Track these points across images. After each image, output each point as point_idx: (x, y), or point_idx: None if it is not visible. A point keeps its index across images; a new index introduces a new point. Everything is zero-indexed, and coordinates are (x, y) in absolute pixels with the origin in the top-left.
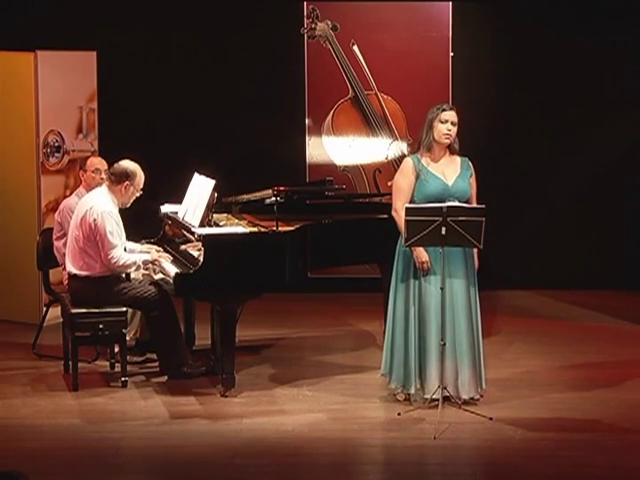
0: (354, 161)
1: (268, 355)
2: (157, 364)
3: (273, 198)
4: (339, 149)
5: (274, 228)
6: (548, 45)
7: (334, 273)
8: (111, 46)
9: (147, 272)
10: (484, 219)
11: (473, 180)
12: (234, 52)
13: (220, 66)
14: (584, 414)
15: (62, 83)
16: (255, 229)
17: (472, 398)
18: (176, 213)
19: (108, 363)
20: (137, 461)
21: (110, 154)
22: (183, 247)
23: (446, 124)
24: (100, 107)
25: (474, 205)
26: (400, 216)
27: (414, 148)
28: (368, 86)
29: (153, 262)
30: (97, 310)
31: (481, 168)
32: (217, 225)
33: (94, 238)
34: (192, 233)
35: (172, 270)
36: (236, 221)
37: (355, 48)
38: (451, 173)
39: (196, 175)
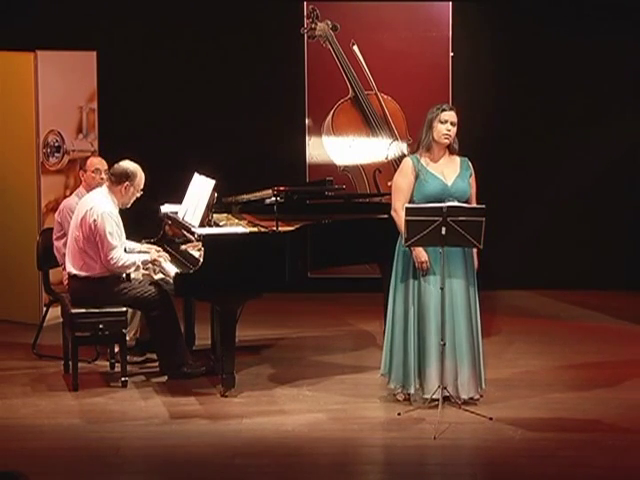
0: (354, 161)
1: (268, 355)
2: (157, 364)
3: (273, 198)
4: (339, 149)
5: (274, 228)
6: (548, 45)
7: (334, 273)
8: (111, 46)
9: (147, 272)
10: (484, 219)
11: (473, 180)
12: (234, 52)
13: (220, 66)
14: (584, 414)
15: (62, 83)
16: (255, 229)
17: (472, 398)
18: (176, 213)
19: (108, 363)
20: (137, 461)
21: (110, 154)
22: (183, 247)
23: (446, 124)
24: (100, 107)
25: (474, 205)
26: (399, 216)
27: (414, 148)
28: (368, 86)
29: (153, 262)
30: (97, 310)
31: (481, 168)
32: (217, 225)
33: (94, 239)
34: (192, 233)
35: (172, 270)
36: (236, 221)
37: (355, 48)
38: (450, 173)
39: (196, 175)
